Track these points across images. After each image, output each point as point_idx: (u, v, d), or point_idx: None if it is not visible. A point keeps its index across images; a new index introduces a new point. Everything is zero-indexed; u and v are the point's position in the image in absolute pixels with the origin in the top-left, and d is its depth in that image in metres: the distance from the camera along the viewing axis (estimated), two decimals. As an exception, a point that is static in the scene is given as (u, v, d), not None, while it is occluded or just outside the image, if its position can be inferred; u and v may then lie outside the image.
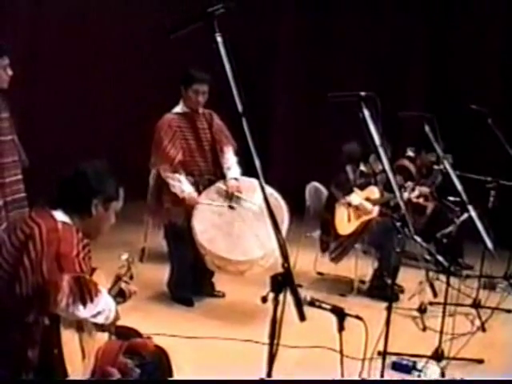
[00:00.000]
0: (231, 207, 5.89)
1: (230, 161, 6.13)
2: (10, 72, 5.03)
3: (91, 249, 3.16)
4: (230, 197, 5.95)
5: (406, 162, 7.97)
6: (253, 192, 5.81)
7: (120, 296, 3.38)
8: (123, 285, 3.40)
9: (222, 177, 6.09)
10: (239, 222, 5.83)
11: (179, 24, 2.62)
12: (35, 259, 2.90)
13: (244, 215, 5.86)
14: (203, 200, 5.91)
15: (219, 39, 2.50)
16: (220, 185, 6.04)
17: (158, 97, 7.94)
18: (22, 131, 5.48)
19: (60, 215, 3.08)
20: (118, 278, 3.39)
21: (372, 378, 3.92)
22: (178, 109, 6.10)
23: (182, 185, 5.90)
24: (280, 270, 2.46)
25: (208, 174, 6.10)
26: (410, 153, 8.01)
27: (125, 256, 3.46)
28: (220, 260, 5.72)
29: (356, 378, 3.55)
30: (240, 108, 2.48)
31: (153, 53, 9.51)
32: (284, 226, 5.51)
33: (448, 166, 5.02)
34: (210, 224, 5.83)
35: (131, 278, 3.49)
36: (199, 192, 5.98)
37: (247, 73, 6.46)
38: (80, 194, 3.15)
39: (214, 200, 5.95)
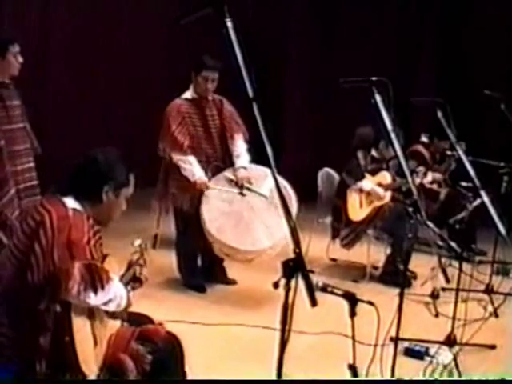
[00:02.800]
0: (242, 194, 5.89)
1: (240, 148, 6.11)
2: (20, 59, 5.03)
3: (104, 236, 3.17)
4: (239, 187, 5.95)
5: (420, 148, 7.92)
6: (262, 180, 5.81)
7: (135, 281, 3.38)
8: (137, 270, 3.40)
9: (231, 164, 6.09)
10: (248, 211, 5.83)
11: (188, 10, 2.60)
12: (46, 246, 2.90)
13: (253, 204, 5.86)
14: (214, 185, 5.91)
15: (229, 24, 2.48)
16: (229, 173, 6.04)
17: (167, 83, 7.95)
18: (34, 119, 5.48)
19: (71, 202, 3.08)
20: (132, 264, 3.39)
21: (384, 364, 3.91)
22: (188, 94, 6.08)
23: (193, 168, 5.89)
24: (291, 255, 2.46)
25: (216, 161, 6.09)
26: (424, 138, 7.96)
27: (138, 242, 3.45)
28: (228, 249, 5.73)
29: (367, 363, 3.53)
30: (251, 93, 2.46)
31: (164, 40, 9.53)
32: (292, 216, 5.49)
33: (460, 152, 4.99)
34: (218, 212, 5.83)
35: (144, 263, 3.49)
36: (207, 179, 5.96)
37: (260, 60, 6.47)
38: (90, 180, 3.14)
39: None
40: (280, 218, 2.50)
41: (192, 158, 5.90)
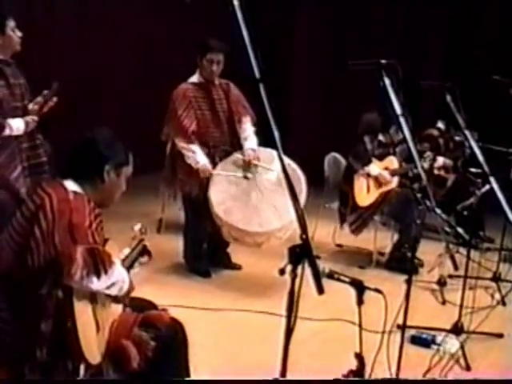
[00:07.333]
0: (246, 177, 5.84)
1: (248, 131, 6.07)
2: (18, 33, 4.97)
3: (109, 220, 3.14)
4: (248, 166, 5.89)
5: (435, 132, 7.84)
6: (270, 162, 5.76)
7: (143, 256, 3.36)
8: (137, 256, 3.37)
9: (239, 148, 6.03)
10: (256, 193, 5.78)
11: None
12: (46, 230, 2.85)
13: (261, 186, 5.81)
14: (218, 171, 5.86)
15: (236, 2, 2.42)
16: (237, 155, 5.99)
17: (175, 67, 7.90)
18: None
19: (71, 185, 3.04)
20: (133, 248, 3.36)
21: (391, 351, 3.86)
22: (194, 78, 6.04)
23: (197, 156, 5.85)
24: (297, 241, 2.41)
25: (224, 145, 6.05)
26: (441, 125, 7.89)
27: (137, 226, 3.43)
28: (237, 231, 5.68)
29: (374, 351, 3.48)
30: (257, 74, 2.41)
31: (173, 21, 9.49)
32: (302, 198, 5.44)
33: (469, 137, 4.92)
34: (226, 195, 5.78)
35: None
36: (215, 163, 5.93)
37: (267, 42, 6.39)
38: (91, 161, 3.11)
39: (230, 171, 5.90)
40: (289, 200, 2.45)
41: (195, 147, 5.87)
